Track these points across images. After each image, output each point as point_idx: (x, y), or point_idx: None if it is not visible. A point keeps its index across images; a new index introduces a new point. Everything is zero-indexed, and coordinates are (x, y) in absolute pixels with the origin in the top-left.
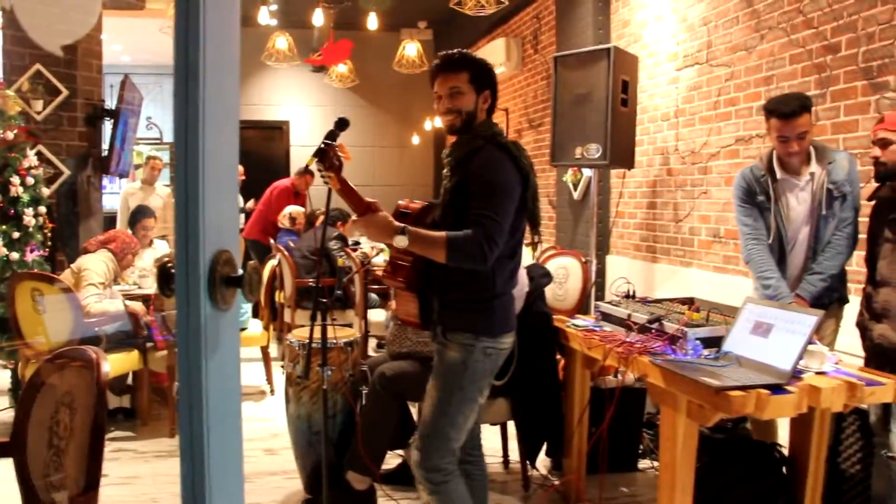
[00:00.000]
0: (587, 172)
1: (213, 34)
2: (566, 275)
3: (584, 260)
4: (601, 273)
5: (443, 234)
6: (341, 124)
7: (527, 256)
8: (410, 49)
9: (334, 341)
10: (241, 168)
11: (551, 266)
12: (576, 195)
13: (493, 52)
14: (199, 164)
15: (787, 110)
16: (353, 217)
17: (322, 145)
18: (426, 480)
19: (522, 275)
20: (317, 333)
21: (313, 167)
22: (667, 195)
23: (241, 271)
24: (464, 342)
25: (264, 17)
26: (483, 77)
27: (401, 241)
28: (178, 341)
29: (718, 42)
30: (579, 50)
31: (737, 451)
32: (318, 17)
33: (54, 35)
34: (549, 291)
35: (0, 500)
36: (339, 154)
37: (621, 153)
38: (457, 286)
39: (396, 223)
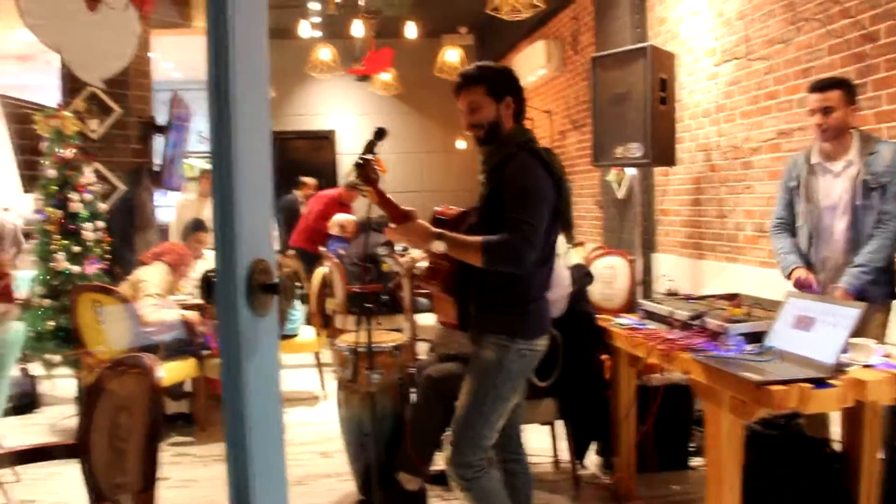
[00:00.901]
0: (630, 171)
1: (243, 53)
2: (614, 274)
3: (630, 259)
4: (648, 271)
5: (479, 238)
6: (380, 134)
7: (574, 256)
8: (451, 55)
9: (382, 345)
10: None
11: (598, 266)
12: (620, 194)
13: (534, 54)
14: (233, 179)
15: (818, 84)
16: (391, 225)
17: (359, 161)
18: (458, 476)
19: (565, 276)
20: (365, 338)
21: (353, 180)
22: (710, 191)
23: (276, 279)
24: (499, 343)
25: (306, 29)
26: (500, 85)
27: (438, 246)
28: (220, 346)
29: (756, 36)
30: (616, 50)
31: (786, 447)
32: (358, 28)
33: (99, 68)
34: (598, 291)
35: (69, 500)
36: (376, 168)
37: (662, 151)
38: (493, 291)
39: (433, 229)
